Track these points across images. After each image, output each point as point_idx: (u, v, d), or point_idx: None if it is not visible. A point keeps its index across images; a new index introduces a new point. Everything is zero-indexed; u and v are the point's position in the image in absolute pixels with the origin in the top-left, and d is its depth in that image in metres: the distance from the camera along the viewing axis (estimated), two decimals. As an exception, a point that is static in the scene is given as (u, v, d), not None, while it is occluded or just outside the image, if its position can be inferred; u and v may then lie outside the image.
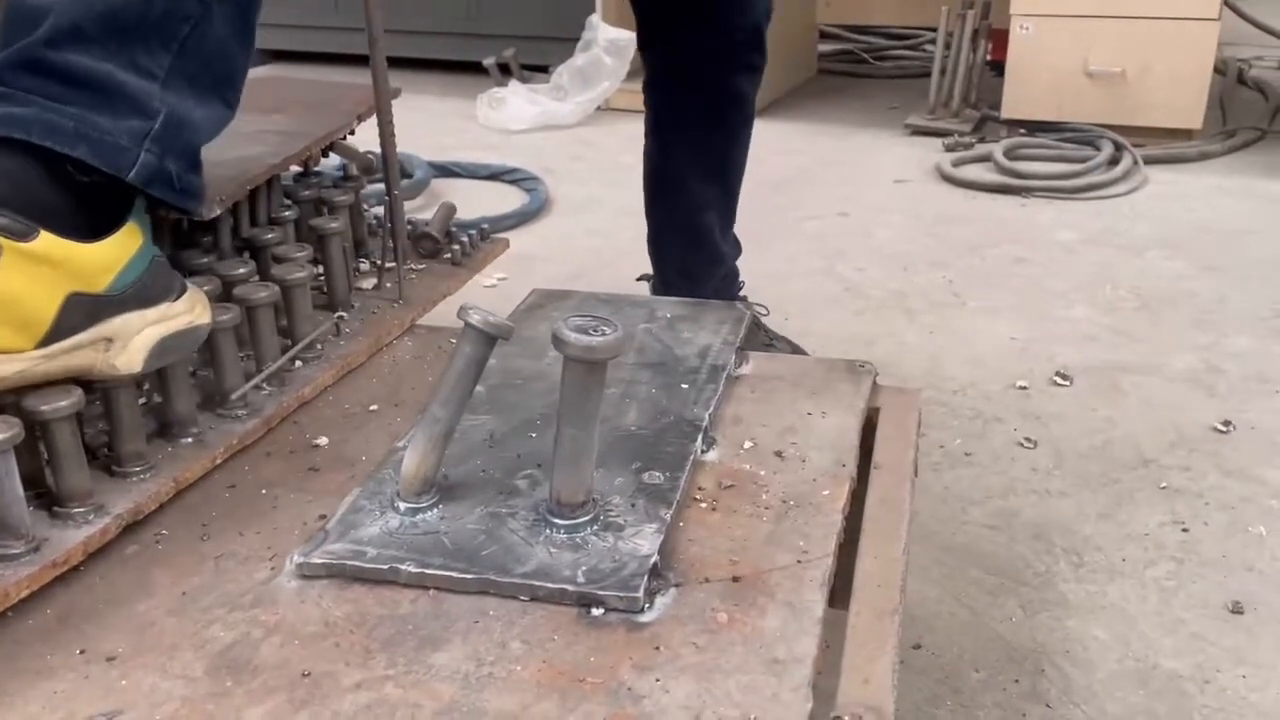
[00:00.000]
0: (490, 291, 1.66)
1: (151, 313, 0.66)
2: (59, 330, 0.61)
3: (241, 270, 0.82)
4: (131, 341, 0.64)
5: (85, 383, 0.64)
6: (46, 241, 0.60)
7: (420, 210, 2.05)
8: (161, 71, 0.68)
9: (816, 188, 2.34)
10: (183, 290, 0.70)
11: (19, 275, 0.59)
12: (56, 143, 0.64)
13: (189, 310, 0.69)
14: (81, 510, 0.62)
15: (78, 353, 0.62)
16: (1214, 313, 1.69)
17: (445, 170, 2.40)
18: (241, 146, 0.91)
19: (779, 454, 0.73)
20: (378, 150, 1.04)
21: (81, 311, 0.62)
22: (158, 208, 0.74)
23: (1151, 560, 1.11)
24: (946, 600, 1.06)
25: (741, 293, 1.39)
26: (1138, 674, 0.96)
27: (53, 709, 0.50)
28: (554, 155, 2.59)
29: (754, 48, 1.26)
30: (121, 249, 0.65)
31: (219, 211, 0.81)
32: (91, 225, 0.64)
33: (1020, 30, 2.57)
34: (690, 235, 1.33)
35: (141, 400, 0.73)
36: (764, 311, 1.36)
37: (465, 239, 1.08)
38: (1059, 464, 1.28)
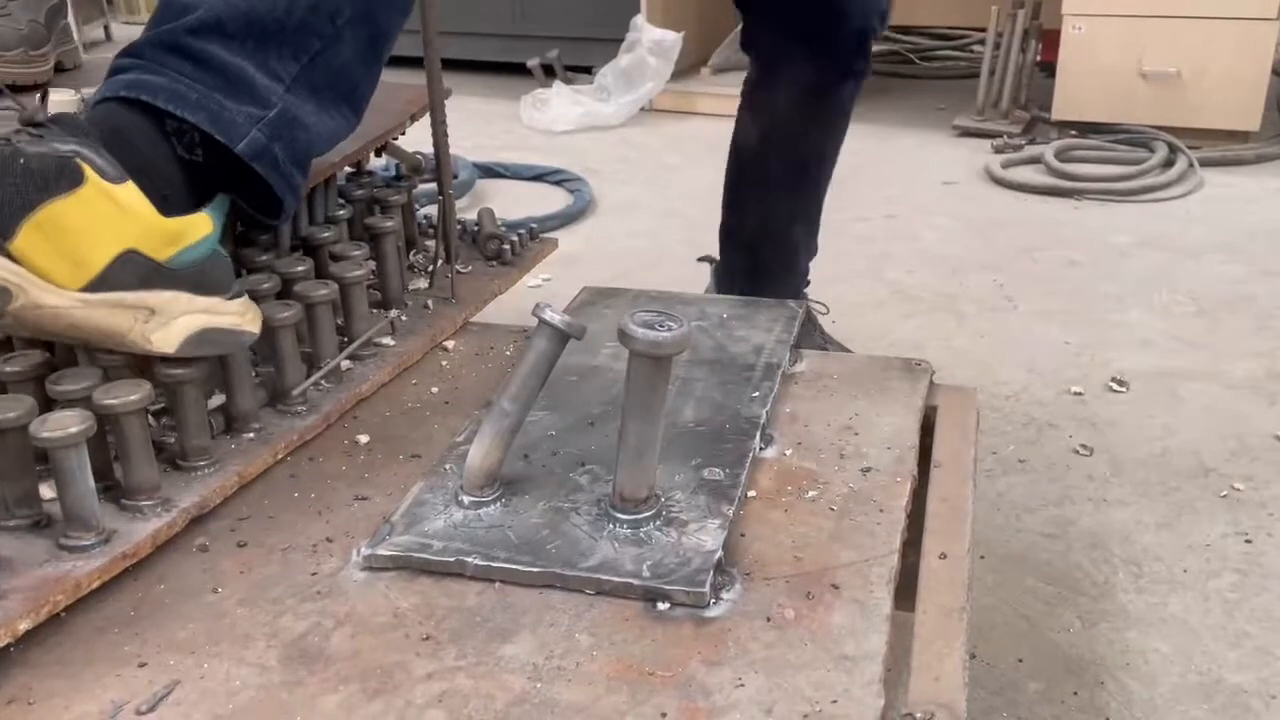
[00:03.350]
0: (536, 291, 1.66)
1: (202, 300, 0.67)
2: (106, 280, 0.61)
3: (300, 268, 0.83)
4: (175, 321, 0.65)
5: (153, 379, 0.65)
6: (130, 191, 0.62)
7: (463, 211, 2.07)
8: (288, 77, 0.73)
9: (863, 189, 2.32)
10: (238, 296, 0.71)
11: (91, 210, 0.60)
12: (178, 108, 0.68)
13: (240, 314, 0.70)
14: (150, 503, 0.63)
15: (118, 311, 0.62)
16: (1275, 318, 1.65)
17: (490, 171, 2.41)
18: (301, 146, 0.92)
19: (838, 452, 0.72)
20: (424, 150, 1.05)
21: (134, 271, 0.63)
22: (247, 211, 0.76)
23: (1214, 571, 1.08)
24: (1002, 609, 1.04)
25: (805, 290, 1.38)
26: (1201, 688, 0.93)
27: (132, 695, 0.51)
28: (597, 156, 2.59)
29: (858, 54, 1.23)
30: (192, 229, 0.67)
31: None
32: (174, 206, 0.66)
33: (1073, 30, 2.53)
34: (773, 242, 1.31)
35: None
36: (823, 310, 1.35)
37: (515, 239, 1.09)
38: (1116, 472, 1.26)
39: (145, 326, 0.64)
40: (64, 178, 0.59)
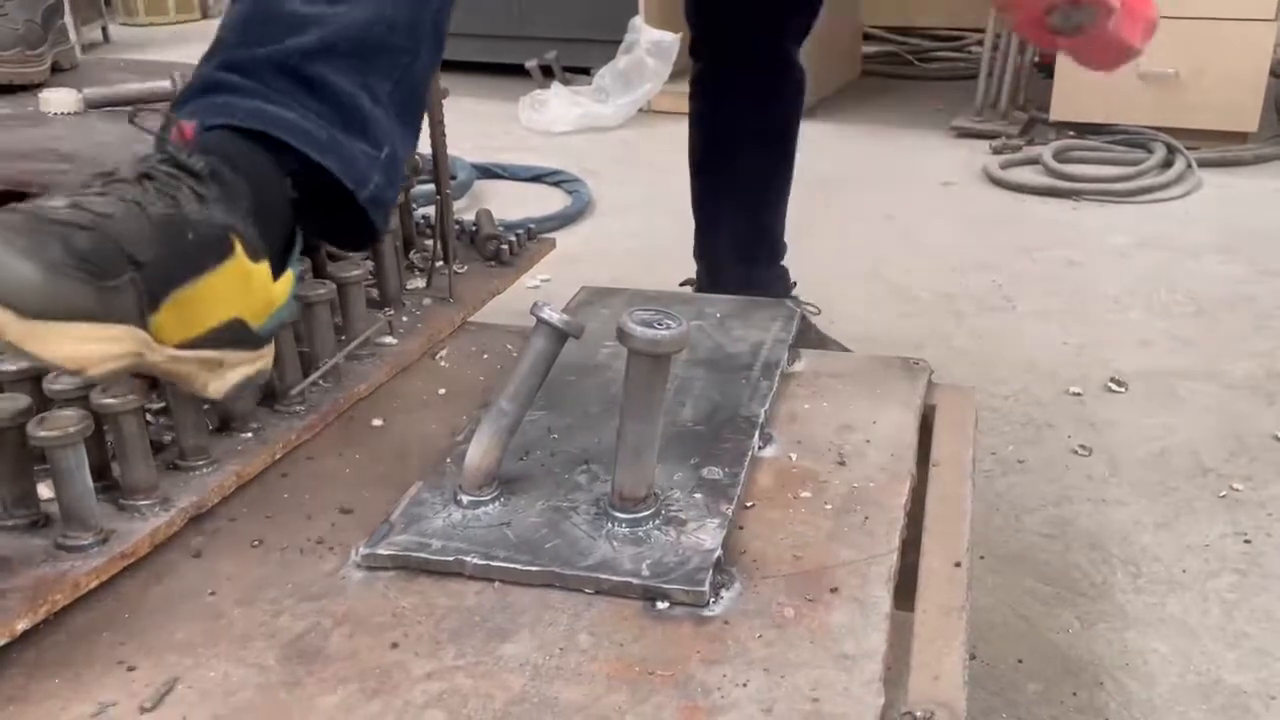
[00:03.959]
0: (534, 292, 1.66)
1: (259, 353, 0.66)
2: (203, 340, 0.61)
3: (298, 268, 0.82)
4: (233, 370, 0.64)
5: (151, 380, 0.64)
6: (263, 269, 0.62)
7: (462, 212, 2.06)
8: (384, 97, 0.72)
9: (861, 190, 2.32)
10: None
11: (228, 286, 0.60)
12: (311, 148, 0.66)
13: (265, 357, 0.69)
14: (147, 503, 0.63)
15: (194, 364, 0.61)
16: (1274, 318, 1.65)
17: (488, 172, 2.41)
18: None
19: (837, 451, 0.72)
20: (422, 150, 1.05)
21: (230, 335, 0.62)
22: (334, 241, 0.77)
23: (1213, 572, 1.08)
24: (1001, 609, 1.04)
25: (793, 292, 1.38)
26: (1200, 689, 0.93)
27: (130, 696, 0.51)
28: (596, 157, 2.59)
29: (808, 8, 1.25)
30: (282, 291, 0.66)
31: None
32: (266, 250, 0.65)
33: (1069, 31, 2.53)
34: (748, 212, 1.32)
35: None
36: (815, 311, 1.35)
37: (513, 239, 1.08)
38: (1115, 472, 1.26)
39: (208, 375, 0.63)
40: (215, 251, 0.59)
